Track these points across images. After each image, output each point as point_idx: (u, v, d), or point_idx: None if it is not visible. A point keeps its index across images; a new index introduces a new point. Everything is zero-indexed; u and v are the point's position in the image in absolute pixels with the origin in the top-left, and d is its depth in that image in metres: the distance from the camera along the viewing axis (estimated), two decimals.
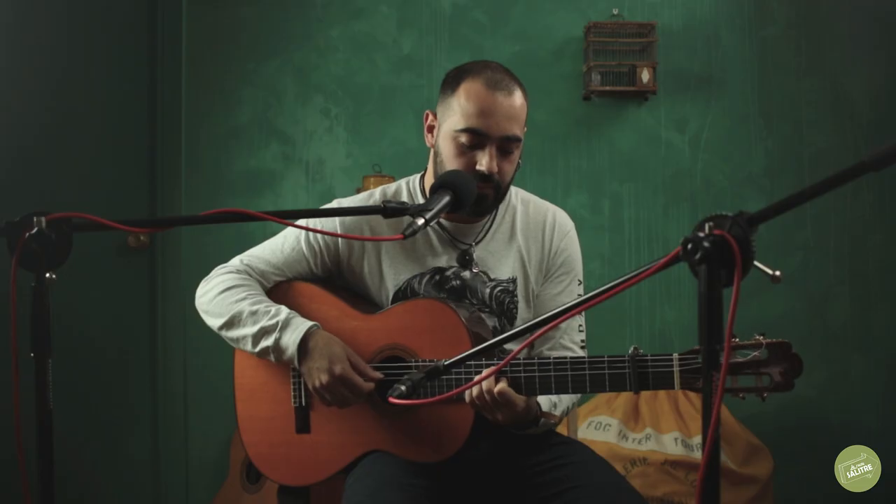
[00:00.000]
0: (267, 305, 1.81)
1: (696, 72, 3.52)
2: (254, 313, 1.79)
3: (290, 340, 1.75)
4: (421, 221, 1.53)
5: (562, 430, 2.29)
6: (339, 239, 1.88)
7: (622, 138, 3.50)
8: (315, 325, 1.78)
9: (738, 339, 1.44)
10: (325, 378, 1.71)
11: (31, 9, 2.99)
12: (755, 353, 1.44)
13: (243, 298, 1.82)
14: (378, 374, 1.75)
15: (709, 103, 3.53)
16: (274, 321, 1.77)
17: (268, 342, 1.77)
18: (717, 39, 3.53)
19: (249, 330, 1.79)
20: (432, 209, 1.57)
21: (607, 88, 3.42)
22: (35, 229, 1.24)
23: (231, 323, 1.82)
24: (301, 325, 1.76)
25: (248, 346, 1.80)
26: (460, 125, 1.75)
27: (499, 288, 1.87)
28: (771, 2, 3.55)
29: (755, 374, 1.45)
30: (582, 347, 1.91)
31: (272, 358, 1.79)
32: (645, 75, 3.40)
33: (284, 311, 1.79)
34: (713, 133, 3.53)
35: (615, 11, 3.48)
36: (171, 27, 3.36)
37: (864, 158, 0.93)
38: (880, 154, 0.93)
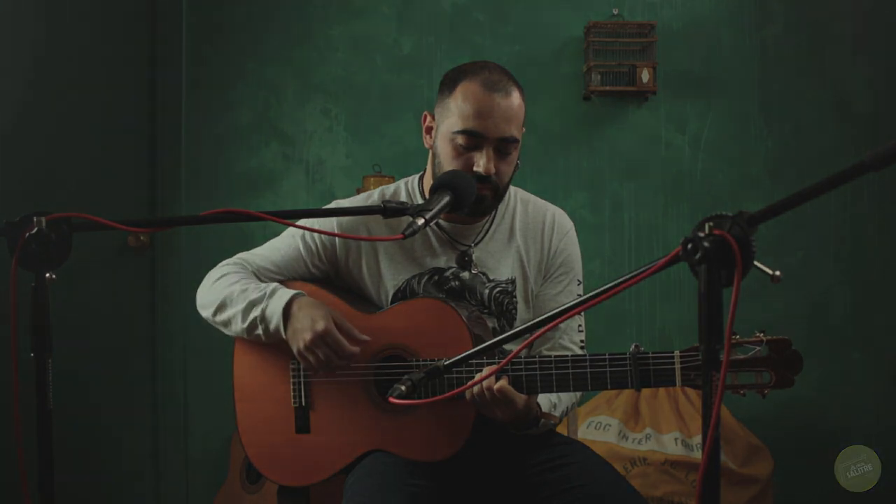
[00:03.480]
0: (257, 284, 1.82)
1: (696, 72, 3.52)
2: (244, 291, 1.80)
3: (275, 307, 1.74)
4: (421, 221, 1.53)
5: (562, 430, 2.29)
6: (337, 239, 1.88)
7: (622, 138, 3.50)
8: (300, 292, 1.77)
9: (738, 336, 1.44)
10: (308, 337, 1.70)
11: (31, 9, 2.99)
12: (756, 350, 1.44)
13: (236, 282, 1.83)
14: (365, 337, 1.74)
15: (709, 103, 3.53)
16: (261, 293, 1.77)
17: (255, 313, 1.77)
18: (717, 39, 3.53)
19: (239, 307, 1.79)
20: (432, 209, 1.56)
21: (607, 88, 3.42)
22: (35, 229, 1.25)
23: (223, 305, 1.82)
24: (286, 293, 1.76)
25: (239, 324, 1.80)
26: (457, 127, 1.74)
27: (498, 289, 1.87)
28: (771, 2, 3.55)
29: (755, 371, 1.46)
30: (581, 348, 1.91)
31: (260, 331, 1.77)
32: (645, 75, 3.40)
33: (273, 284, 1.80)
34: (713, 133, 3.53)
35: (615, 11, 3.47)
36: (171, 27, 3.36)
37: (864, 158, 0.93)
38: (880, 154, 0.93)
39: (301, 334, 1.71)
